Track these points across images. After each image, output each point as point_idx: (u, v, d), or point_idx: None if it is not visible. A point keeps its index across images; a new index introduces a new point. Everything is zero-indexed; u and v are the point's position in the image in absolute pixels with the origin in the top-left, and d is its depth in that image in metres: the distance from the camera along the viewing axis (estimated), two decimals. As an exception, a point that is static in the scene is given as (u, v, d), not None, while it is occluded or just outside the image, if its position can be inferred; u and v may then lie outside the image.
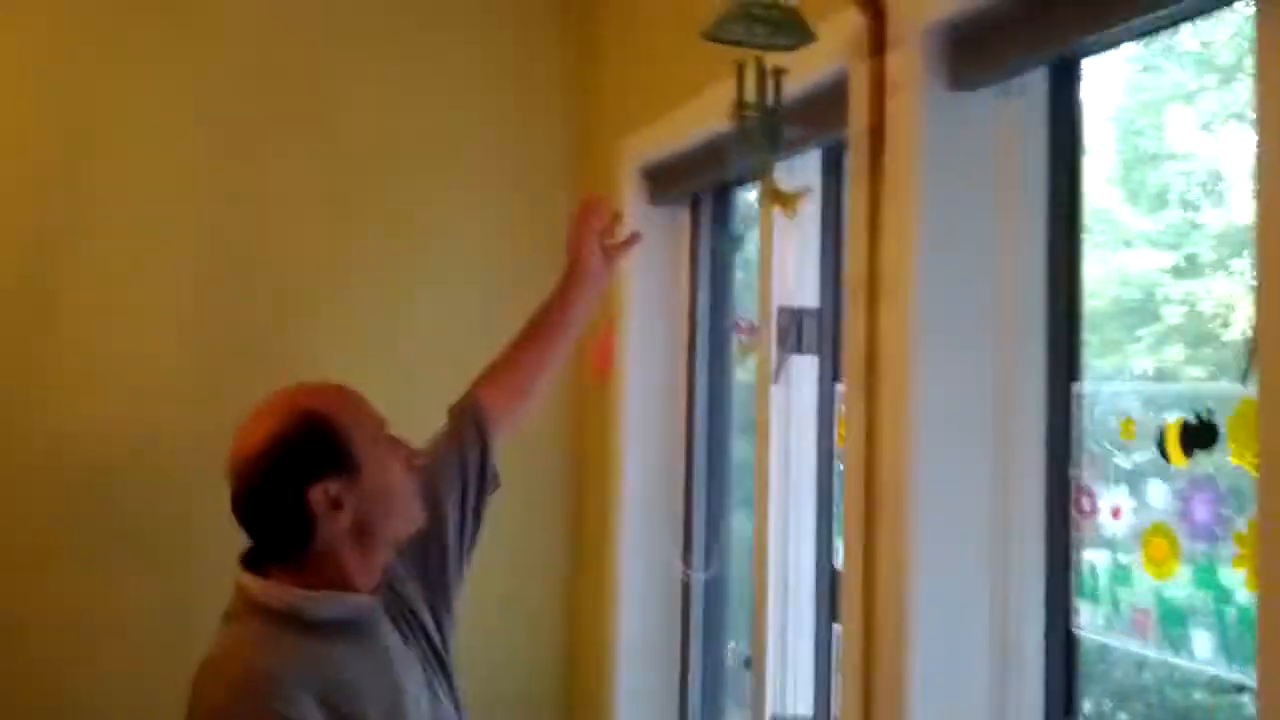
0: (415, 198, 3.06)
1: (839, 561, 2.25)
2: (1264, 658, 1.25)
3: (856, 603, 1.81)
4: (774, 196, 1.76)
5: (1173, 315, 1.96)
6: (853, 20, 1.80)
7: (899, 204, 1.73)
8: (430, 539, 1.79)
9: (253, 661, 1.57)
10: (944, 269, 1.71)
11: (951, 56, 1.71)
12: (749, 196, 2.76)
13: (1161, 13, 1.42)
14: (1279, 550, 1.24)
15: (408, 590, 1.78)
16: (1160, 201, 2.05)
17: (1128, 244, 2.55)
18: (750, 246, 2.88)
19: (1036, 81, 1.71)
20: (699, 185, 2.69)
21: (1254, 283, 1.28)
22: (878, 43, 1.77)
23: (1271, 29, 1.27)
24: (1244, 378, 1.30)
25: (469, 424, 1.90)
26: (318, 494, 1.58)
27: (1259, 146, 1.27)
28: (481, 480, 1.89)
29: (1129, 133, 1.97)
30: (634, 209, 2.79)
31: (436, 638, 1.78)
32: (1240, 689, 1.43)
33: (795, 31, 1.73)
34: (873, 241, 1.80)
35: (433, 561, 1.82)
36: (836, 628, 2.27)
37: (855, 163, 1.84)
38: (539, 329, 2.00)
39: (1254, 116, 1.28)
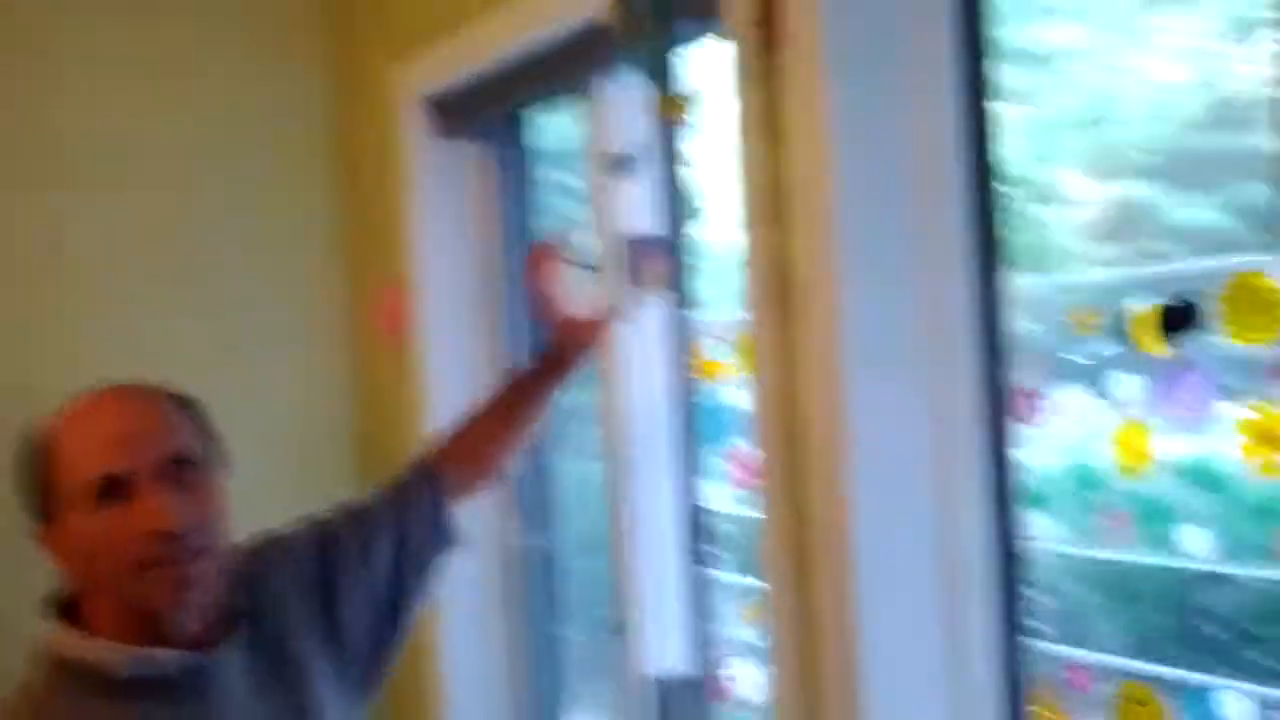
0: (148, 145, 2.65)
1: (705, 501, 2.09)
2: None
3: (785, 544, 1.63)
4: (662, 103, 1.54)
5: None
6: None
7: (805, 106, 1.55)
8: (343, 590, 1.56)
9: None
10: (861, 174, 1.55)
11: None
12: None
13: None
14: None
15: (296, 639, 1.50)
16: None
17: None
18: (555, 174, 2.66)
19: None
20: (496, 113, 2.43)
21: None
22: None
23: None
24: None
25: (421, 480, 1.71)
26: (38, 532, 1.39)
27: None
28: (431, 541, 1.67)
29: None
30: (418, 144, 2.49)
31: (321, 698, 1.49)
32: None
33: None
34: (773, 153, 1.61)
35: (341, 618, 1.56)
36: (707, 572, 2.11)
37: (744, 60, 1.64)
38: (509, 407, 1.81)
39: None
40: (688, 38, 1.67)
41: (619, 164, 1.83)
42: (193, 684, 1.36)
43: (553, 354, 1.83)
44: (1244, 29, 1.46)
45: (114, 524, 1.31)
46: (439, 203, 2.52)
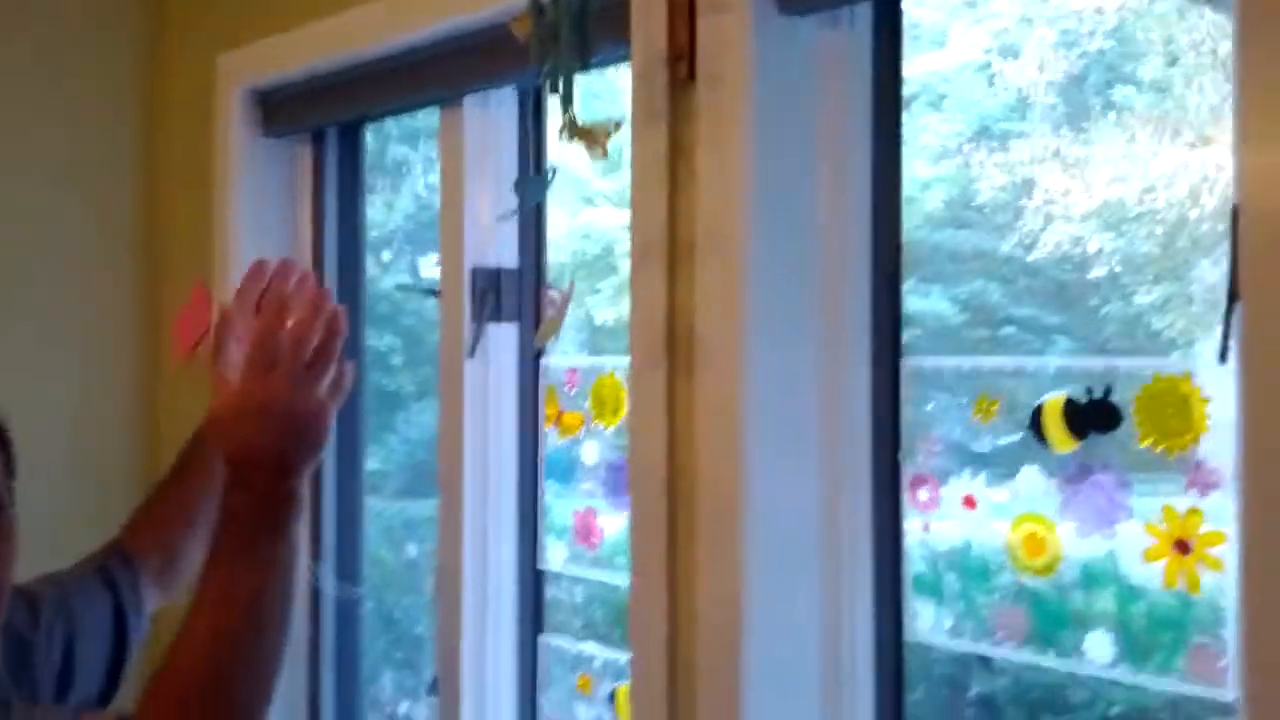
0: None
1: (546, 564, 1.95)
2: (1250, 664, 1.12)
3: (657, 625, 1.51)
4: (577, 130, 1.40)
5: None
6: (643, -80, 1.48)
7: (721, 147, 1.44)
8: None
9: None
10: (773, 226, 1.45)
11: (776, -25, 1.44)
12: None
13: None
14: (1261, 551, 1.12)
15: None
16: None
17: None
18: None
19: (862, 13, 1.49)
20: (325, 117, 2.22)
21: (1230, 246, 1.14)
22: (681, -51, 1.46)
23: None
24: (1223, 353, 1.15)
25: (118, 566, 1.45)
26: None
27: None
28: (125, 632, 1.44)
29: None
30: (241, 141, 2.26)
31: None
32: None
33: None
34: (675, 192, 1.50)
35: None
36: (543, 639, 1.96)
37: (643, 95, 1.52)
38: (186, 474, 1.50)
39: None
40: (602, 61, 1.53)
41: (539, 181, 1.67)
42: None
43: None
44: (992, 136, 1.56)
45: None
46: (259, 205, 2.29)
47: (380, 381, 2.53)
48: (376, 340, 2.47)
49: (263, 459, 1.18)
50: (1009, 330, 1.60)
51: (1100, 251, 1.49)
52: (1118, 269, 1.48)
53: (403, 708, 2.55)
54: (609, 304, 2.18)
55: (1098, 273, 1.50)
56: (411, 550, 2.48)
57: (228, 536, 1.18)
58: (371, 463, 2.49)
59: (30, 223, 2.39)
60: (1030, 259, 1.55)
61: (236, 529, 1.18)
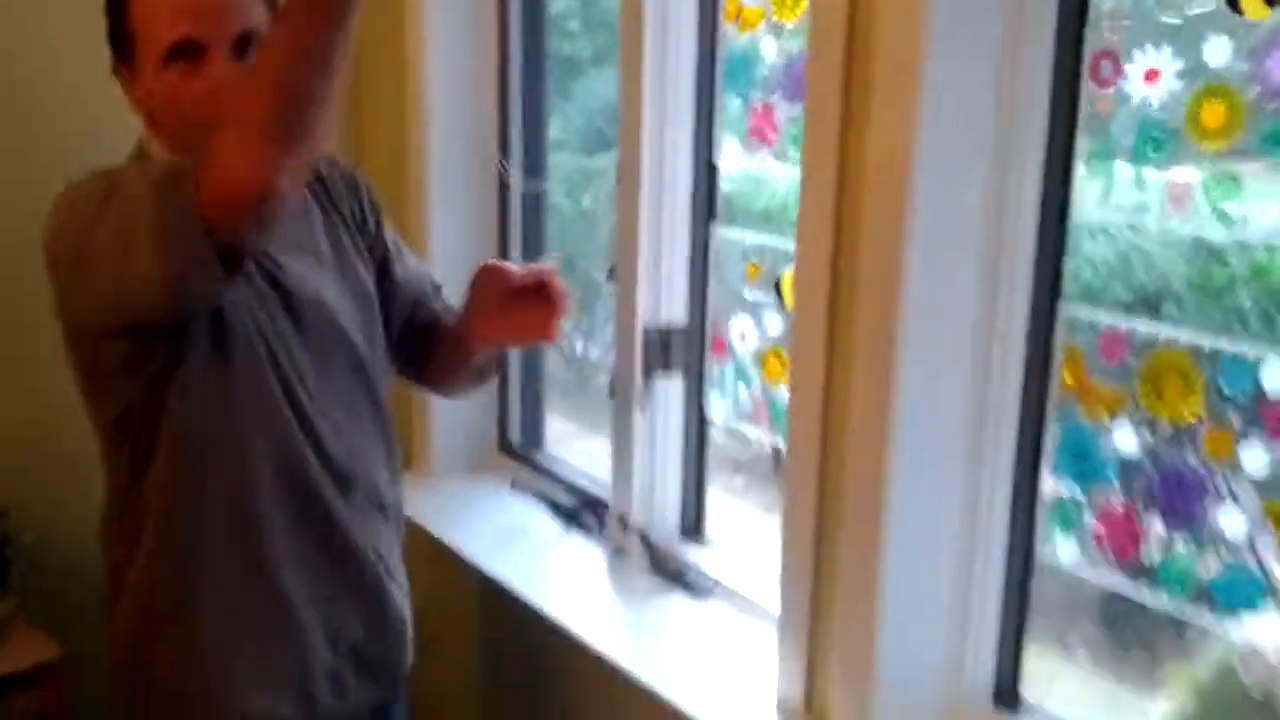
0: None
1: (718, 154, 2.02)
2: None
3: (825, 207, 1.57)
4: None
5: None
6: None
7: None
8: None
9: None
10: None
11: None
12: None
13: None
14: None
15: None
16: None
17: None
18: None
19: None
20: None
21: None
22: None
23: None
24: None
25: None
26: (116, 70, 1.48)
27: None
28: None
29: None
30: None
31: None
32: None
33: None
34: None
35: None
36: (714, 229, 2.06)
37: None
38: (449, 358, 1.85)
39: None
40: None
41: None
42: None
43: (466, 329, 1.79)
44: None
45: (181, 85, 1.40)
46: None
47: (558, 46, 2.53)
48: (552, 4, 2.46)
49: None
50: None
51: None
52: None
53: (580, 347, 2.69)
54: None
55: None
56: (587, 201, 2.56)
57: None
58: (551, 131, 2.51)
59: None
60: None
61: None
